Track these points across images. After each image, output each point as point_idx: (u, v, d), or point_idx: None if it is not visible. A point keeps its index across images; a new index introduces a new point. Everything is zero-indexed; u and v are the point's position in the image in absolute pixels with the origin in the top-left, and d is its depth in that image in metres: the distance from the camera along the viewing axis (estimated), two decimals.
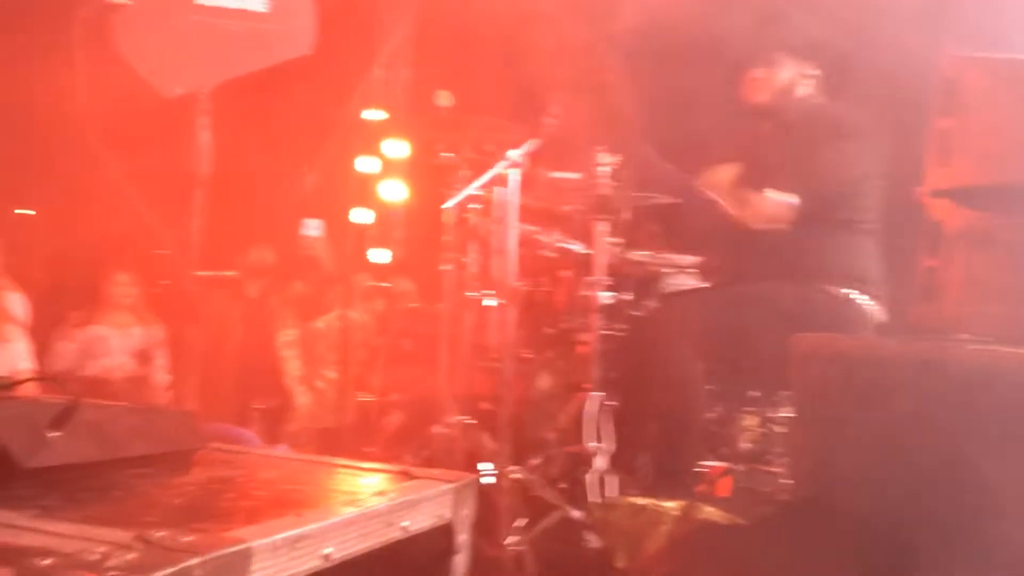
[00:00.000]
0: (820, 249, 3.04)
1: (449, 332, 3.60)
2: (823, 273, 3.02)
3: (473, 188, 3.01)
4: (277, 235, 4.62)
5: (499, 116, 3.66)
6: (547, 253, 3.71)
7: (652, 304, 3.62)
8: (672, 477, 3.19)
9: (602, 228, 3.37)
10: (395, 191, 5.59)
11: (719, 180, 3.21)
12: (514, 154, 2.91)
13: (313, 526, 0.90)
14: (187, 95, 2.59)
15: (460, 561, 1.16)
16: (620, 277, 3.55)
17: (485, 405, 3.90)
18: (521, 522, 2.93)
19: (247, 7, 2.65)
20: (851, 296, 3.01)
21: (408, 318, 4.18)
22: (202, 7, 2.61)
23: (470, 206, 3.46)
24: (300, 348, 4.43)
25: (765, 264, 3.05)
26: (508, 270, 3.05)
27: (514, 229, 3.04)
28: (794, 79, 3.17)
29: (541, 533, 2.93)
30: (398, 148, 5.75)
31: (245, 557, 0.81)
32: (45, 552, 0.75)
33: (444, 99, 3.54)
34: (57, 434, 1.02)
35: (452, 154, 3.60)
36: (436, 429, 3.45)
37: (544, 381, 3.80)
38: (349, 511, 0.96)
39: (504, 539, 2.72)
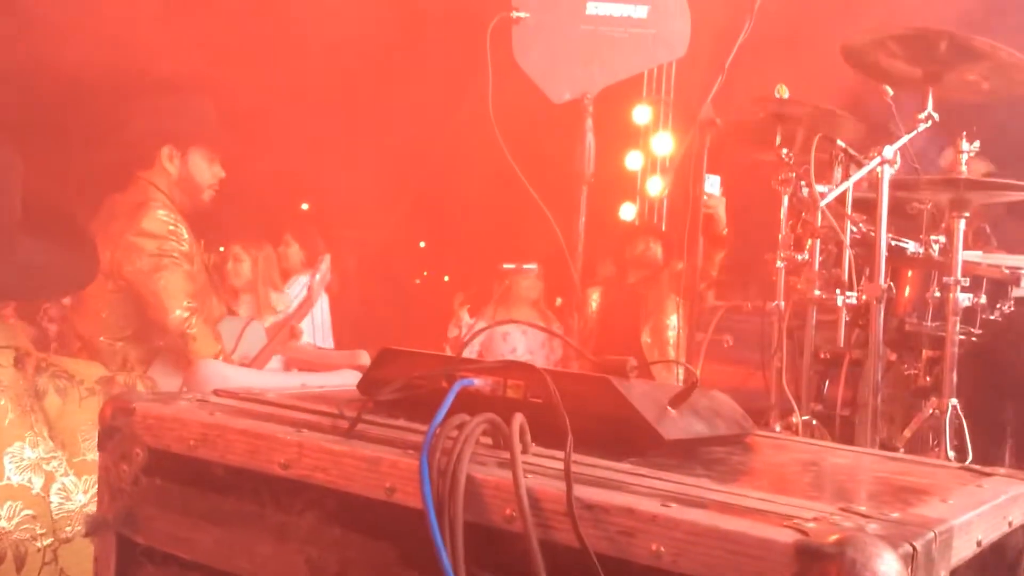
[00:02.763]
0: None
1: (781, 330, 3.58)
2: None
3: (847, 184, 2.97)
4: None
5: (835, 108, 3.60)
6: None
7: (1008, 308, 3.45)
8: None
9: (960, 225, 3.26)
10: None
11: None
12: (889, 151, 2.85)
13: (969, 514, 0.94)
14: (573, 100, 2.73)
15: None
16: (972, 279, 3.41)
17: (817, 406, 3.85)
18: None
19: (631, 15, 2.77)
20: None
21: (729, 314, 4.18)
22: (592, 16, 2.76)
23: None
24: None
25: None
26: (876, 270, 3.00)
27: (883, 229, 2.98)
28: None
29: None
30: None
31: (949, 535, 0.86)
32: (780, 516, 0.84)
33: (782, 92, 3.54)
34: (675, 412, 1.13)
35: (786, 149, 3.59)
36: (776, 427, 3.44)
37: (886, 385, 3.70)
38: (983, 506, 0.99)
39: None
